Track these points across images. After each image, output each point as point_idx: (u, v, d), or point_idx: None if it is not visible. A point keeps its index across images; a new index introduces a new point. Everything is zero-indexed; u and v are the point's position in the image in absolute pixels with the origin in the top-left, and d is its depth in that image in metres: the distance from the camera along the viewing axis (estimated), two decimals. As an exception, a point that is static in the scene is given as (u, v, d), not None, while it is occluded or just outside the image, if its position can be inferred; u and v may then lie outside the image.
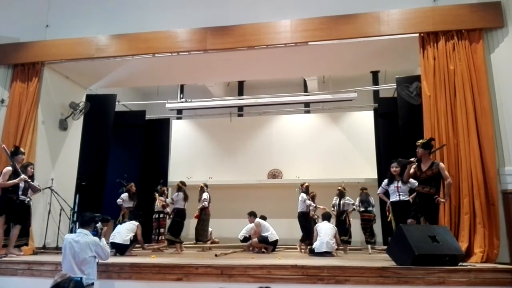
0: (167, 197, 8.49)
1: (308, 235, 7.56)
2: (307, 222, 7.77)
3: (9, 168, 6.00)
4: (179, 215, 7.66)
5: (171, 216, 7.73)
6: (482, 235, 5.44)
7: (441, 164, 5.52)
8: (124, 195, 8.09)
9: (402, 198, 6.16)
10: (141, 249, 7.39)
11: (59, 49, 7.59)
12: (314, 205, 8.07)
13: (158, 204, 8.48)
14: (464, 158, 5.80)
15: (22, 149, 6.48)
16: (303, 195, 7.82)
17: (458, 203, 5.72)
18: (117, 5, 7.83)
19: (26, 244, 6.33)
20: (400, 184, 6.17)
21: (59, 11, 8.00)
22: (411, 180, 6.02)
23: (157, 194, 8.47)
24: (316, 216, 8.52)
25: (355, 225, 9.25)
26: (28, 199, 6.26)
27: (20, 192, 6.08)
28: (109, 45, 7.49)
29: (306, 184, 7.98)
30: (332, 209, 8.28)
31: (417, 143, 5.64)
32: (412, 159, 5.68)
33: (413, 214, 5.67)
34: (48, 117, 7.69)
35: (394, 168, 6.30)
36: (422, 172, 5.57)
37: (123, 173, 8.71)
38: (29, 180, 6.11)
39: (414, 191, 5.92)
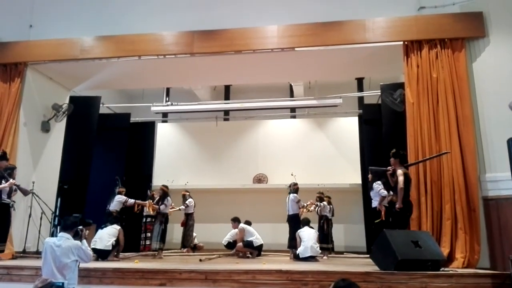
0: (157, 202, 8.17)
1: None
2: (298, 226, 7.41)
3: None
4: (167, 222, 7.64)
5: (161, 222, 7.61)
6: (463, 241, 5.54)
7: (399, 171, 5.66)
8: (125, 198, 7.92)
9: (373, 204, 6.52)
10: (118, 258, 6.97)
11: (42, 50, 7.47)
12: (304, 204, 7.98)
13: (148, 209, 8.32)
14: (446, 164, 5.91)
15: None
16: (296, 195, 7.53)
17: (440, 209, 5.82)
18: (103, 6, 7.75)
19: (2, 251, 6.15)
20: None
21: (43, 11, 7.89)
22: (374, 185, 6.29)
23: (150, 200, 8.31)
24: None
25: (336, 230, 9.34)
26: (13, 202, 6.22)
27: (5, 196, 6.04)
28: (94, 47, 7.41)
29: (297, 185, 7.83)
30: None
31: (390, 154, 5.86)
32: (389, 167, 5.83)
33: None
34: (30, 118, 7.54)
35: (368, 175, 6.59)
36: (393, 181, 5.81)
37: (107, 176, 8.60)
38: (18, 184, 6.08)
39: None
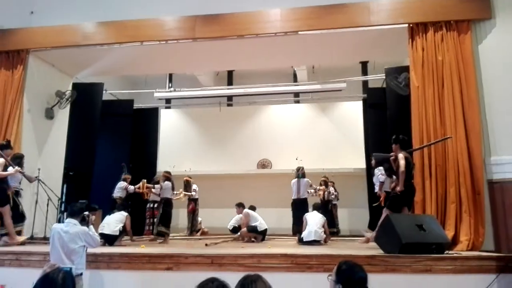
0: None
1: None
2: (306, 210, 7.48)
3: (2, 159, 6.03)
4: (169, 205, 7.69)
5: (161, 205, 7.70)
6: (468, 224, 5.55)
7: (400, 155, 5.64)
8: (126, 184, 8.06)
9: (376, 189, 6.43)
10: (129, 240, 7.34)
11: (44, 36, 7.42)
12: (317, 188, 8.06)
13: (142, 189, 8.38)
14: (451, 148, 5.88)
15: (11, 144, 6.46)
16: (308, 180, 7.58)
17: (444, 192, 5.82)
18: (104, -8, 7.67)
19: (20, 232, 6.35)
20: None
21: (44, -3, 7.82)
22: (375, 170, 6.31)
23: (144, 180, 8.35)
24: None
25: (341, 214, 9.45)
26: (20, 189, 6.44)
27: (17, 184, 6.28)
28: (96, 33, 7.35)
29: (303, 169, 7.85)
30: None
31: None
32: (392, 153, 5.83)
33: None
34: (34, 105, 7.54)
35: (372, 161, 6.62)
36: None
37: (112, 162, 8.66)
38: (23, 171, 6.22)
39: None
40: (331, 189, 8.23)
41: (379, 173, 6.53)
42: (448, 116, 5.99)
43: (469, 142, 5.84)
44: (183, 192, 8.95)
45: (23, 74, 7.33)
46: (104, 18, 7.36)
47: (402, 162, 5.54)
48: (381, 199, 6.56)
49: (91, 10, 7.54)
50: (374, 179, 6.77)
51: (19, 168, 6.11)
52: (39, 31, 7.47)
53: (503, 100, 5.92)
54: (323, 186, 8.39)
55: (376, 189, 6.70)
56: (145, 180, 8.28)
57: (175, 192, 8.20)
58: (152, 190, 8.01)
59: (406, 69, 7.01)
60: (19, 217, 6.26)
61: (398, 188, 5.57)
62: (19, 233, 6.26)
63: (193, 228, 9.24)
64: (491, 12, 6.22)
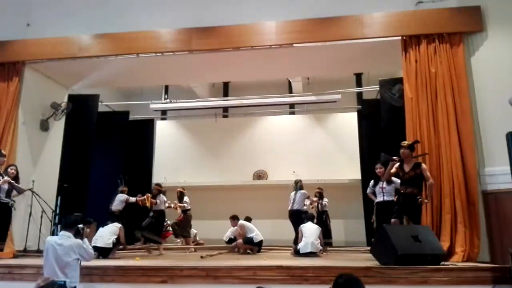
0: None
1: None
2: (302, 221, 7.45)
3: None
4: (163, 217, 7.72)
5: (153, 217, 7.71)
6: (463, 235, 5.56)
7: (424, 166, 5.60)
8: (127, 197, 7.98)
9: (386, 198, 6.27)
10: (123, 251, 7.26)
11: (40, 48, 7.44)
12: (312, 200, 8.09)
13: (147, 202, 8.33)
14: (445, 159, 5.92)
15: (3, 151, 6.37)
16: (305, 192, 7.68)
17: (439, 203, 5.84)
18: (100, 4, 7.71)
19: (1, 250, 6.13)
20: (384, 184, 6.26)
21: (41, 9, 7.85)
22: (395, 179, 6.12)
23: (148, 194, 8.29)
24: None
25: (336, 225, 9.43)
26: (12, 201, 6.25)
27: (3, 195, 6.08)
28: (92, 45, 7.38)
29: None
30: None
31: (402, 144, 5.67)
32: (395, 157, 5.74)
33: (396, 214, 5.62)
34: (29, 117, 7.53)
35: (378, 169, 6.41)
36: (405, 172, 5.62)
37: (107, 174, 8.61)
38: (12, 181, 6.11)
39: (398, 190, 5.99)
40: (325, 200, 8.23)
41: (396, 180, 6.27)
42: (442, 127, 6.04)
43: (463, 153, 5.90)
44: (178, 204, 8.89)
45: (18, 86, 7.33)
46: (100, 30, 7.40)
47: (428, 174, 5.48)
48: None
49: (87, 22, 7.58)
50: (389, 188, 6.39)
51: (8, 178, 6.02)
52: (35, 43, 7.48)
53: (495, 111, 5.99)
54: (314, 199, 8.39)
55: (390, 197, 6.40)
56: (150, 195, 8.16)
57: (167, 204, 8.24)
58: (157, 203, 7.91)
59: (399, 80, 7.08)
60: None
61: (426, 200, 5.46)
62: None
63: (181, 233, 9.17)
64: (482, 25, 6.34)
